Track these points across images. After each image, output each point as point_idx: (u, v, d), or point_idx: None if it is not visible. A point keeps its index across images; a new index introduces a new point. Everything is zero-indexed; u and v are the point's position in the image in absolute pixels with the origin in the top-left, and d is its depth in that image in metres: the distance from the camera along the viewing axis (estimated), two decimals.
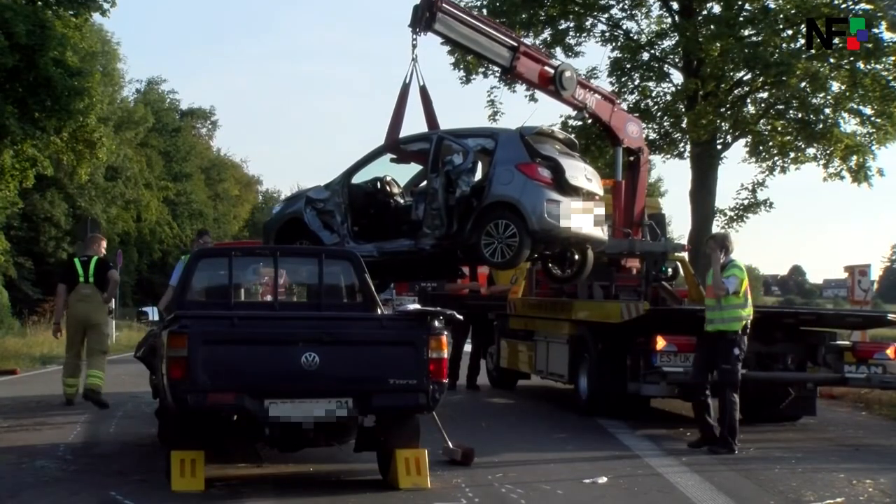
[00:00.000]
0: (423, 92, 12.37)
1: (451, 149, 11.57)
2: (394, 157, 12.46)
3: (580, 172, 11.33)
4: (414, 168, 12.68)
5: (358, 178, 12.30)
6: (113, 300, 13.65)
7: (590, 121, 15.09)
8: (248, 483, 7.57)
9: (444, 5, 12.04)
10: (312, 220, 12.14)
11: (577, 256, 11.87)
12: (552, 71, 12.88)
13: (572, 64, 15.22)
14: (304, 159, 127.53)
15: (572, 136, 13.26)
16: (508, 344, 14.38)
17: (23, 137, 20.82)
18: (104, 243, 13.17)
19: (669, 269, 13.69)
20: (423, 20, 12.03)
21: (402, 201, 12.33)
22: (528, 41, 16.82)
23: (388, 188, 12.36)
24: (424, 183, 12.01)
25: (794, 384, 11.10)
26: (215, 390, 6.68)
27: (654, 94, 24.00)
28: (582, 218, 11.06)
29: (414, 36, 12.30)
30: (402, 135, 12.18)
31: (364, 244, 11.72)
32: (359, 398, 6.97)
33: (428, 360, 7.03)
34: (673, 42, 23.76)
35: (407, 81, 12.34)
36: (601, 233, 11.63)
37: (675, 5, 23.55)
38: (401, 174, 12.79)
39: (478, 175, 11.39)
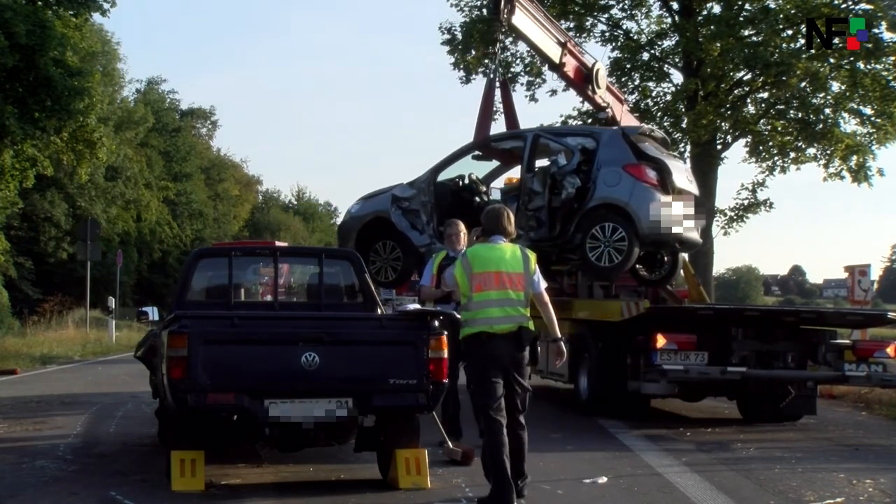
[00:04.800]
0: (504, 86, 12.18)
1: (548, 148, 11.27)
2: (478, 154, 12.16)
3: (682, 174, 11.21)
4: (487, 165, 12.39)
5: (443, 176, 12.02)
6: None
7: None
8: (248, 483, 7.57)
9: None
10: (400, 219, 11.85)
11: (666, 258, 11.69)
12: (587, 68, 12.67)
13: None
14: (304, 159, 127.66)
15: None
16: None
17: (23, 137, 20.82)
18: None
19: None
20: (504, 12, 11.61)
21: (487, 200, 12.04)
22: None
23: (474, 186, 12.03)
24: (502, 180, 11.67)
25: (794, 382, 11.09)
26: (215, 390, 6.67)
27: (654, 94, 24.02)
28: (685, 220, 10.84)
29: (496, 30, 12.05)
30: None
31: None
32: (359, 398, 6.95)
33: (428, 360, 7.01)
34: (673, 42, 23.79)
35: (491, 76, 12.14)
36: (696, 235, 11.46)
37: (675, 5, 23.56)
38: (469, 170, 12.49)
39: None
